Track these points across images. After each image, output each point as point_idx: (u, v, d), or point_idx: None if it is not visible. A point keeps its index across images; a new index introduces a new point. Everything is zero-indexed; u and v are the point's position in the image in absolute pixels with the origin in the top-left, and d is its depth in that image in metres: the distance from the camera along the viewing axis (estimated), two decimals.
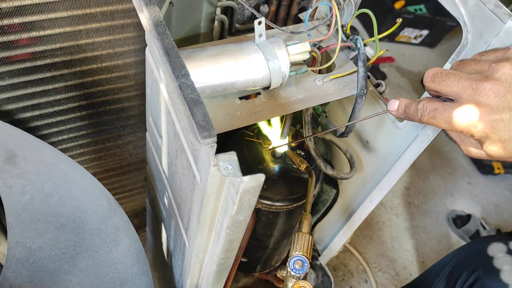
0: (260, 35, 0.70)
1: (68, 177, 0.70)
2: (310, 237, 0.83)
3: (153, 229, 1.01)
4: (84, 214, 0.74)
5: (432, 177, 2.25)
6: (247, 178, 0.45)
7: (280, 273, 1.28)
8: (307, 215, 0.86)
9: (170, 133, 0.61)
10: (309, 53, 0.74)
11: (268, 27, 0.77)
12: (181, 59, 0.48)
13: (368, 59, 0.83)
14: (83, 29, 0.76)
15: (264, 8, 0.91)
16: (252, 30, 0.95)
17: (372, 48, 2.56)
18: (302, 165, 0.91)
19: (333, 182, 1.12)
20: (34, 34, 0.73)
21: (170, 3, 0.68)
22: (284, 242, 1.12)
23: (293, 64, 0.74)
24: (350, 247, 1.84)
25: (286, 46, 0.71)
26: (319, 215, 1.17)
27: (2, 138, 0.64)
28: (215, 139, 0.44)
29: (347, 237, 1.17)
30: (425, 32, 2.77)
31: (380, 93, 0.88)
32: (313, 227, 1.24)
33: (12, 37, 0.72)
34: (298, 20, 0.96)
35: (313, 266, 1.34)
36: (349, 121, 0.80)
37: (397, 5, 2.71)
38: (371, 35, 2.58)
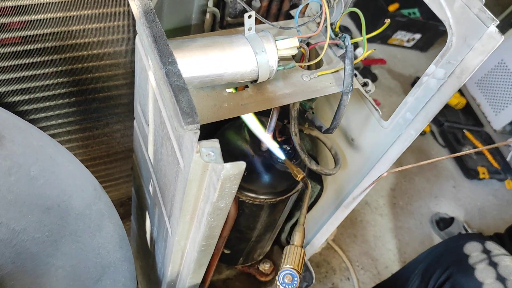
0: (249, 29, 0.71)
1: (55, 161, 0.71)
2: (303, 250, 0.84)
3: (138, 217, 1.02)
4: (69, 199, 0.75)
5: (417, 179, 2.28)
6: (228, 165, 0.47)
7: (263, 267, 1.29)
8: (300, 228, 0.87)
9: (157, 121, 0.62)
10: (298, 48, 0.75)
11: (258, 22, 0.79)
12: (168, 47, 0.49)
13: (356, 57, 0.85)
14: (75, 15, 0.77)
15: (256, 3, 0.92)
16: (243, 24, 0.97)
17: (363, 49, 2.59)
18: (298, 175, 0.92)
19: (317, 178, 1.13)
20: (25, 18, 0.74)
21: None
22: (267, 236, 1.14)
23: (281, 59, 0.75)
24: (333, 245, 1.86)
25: (275, 40, 0.72)
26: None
27: None
28: (198, 125, 0.45)
29: (330, 233, 1.19)
30: (417, 36, 2.80)
31: (367, 92, 0.89)
32: (296, 222, 1.25)
33: (3, 20, 0.72)
34: (289, 17, 0.97)
35: None
36: (334, 118, 0.82)
37: (391, 8, 2.73)
38: None
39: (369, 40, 3.08)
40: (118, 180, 1.24)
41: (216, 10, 0.88)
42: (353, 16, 2.71)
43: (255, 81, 0.74)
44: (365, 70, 2.60)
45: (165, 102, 0.50)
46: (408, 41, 2.84)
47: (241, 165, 0.47)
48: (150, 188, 0.79)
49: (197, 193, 0.56)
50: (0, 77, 0.80)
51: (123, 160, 1.16)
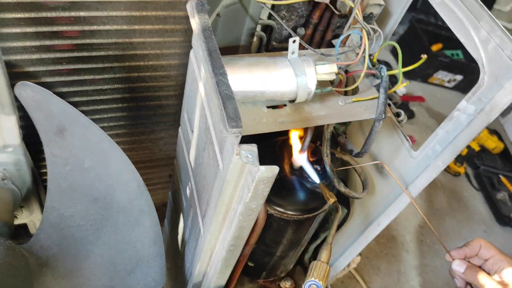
0: (293, 52, 0.78)
1: (107, 156, 0.78)
2: (328, 267, 0.88)
3: (171, 220, 1.08)
4: (115, 192, 0.82)
5: (448, 219, 2.26)
6: (263, 167, 0.53)
7: (284, 284, 1.33)
8: (328, 246, 0.92)
9: (202, 127, 0.69)
10: (336, 74, 0.81)
11: (302, 48, 0.85)
12: (221, 60, 0.55)
13: (390, 88, 0.90)
14: (138, 29, 0.86)
15: (301, 31, 0.99)
16: (286, 48, 1.04)
17: (403, 87, 2.62)
18: (330, 199, 0.96)
19: (344, 202, 1.17)
20: (94, 27, 0.83)
21: (217, 15, 0.77)
22: (291, 253, 1.18)
23: (320, 82, 0.81)
24: (356, 274, 1.87)
25: (315, 65, 0.78)
26: (327, 232, 1.22)
27: (57, 113, 0.73)
28: (241, 129, 0.51)
29: (352, 257, 1.21)
30: (459, 77, 2.82)
31: (399, 122, 0.94)
32: (320, 244, 1.29)
33: (76, 28, 0.81)
34: (331, 46, 1.03)
35: None
36: (365, 143, 0.87)
37: (434, 48, 2.76)
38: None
39: (410, 77, 3.10)
40: (156, 186, 1.31)
41: (263, 34, 0.95)
42: (395, 52, 2.75)
43: (293, 101, 0.80)
44: (403, 106, 2.62)
45: (212, 109, 0.57)
46: (449, 81, 2.86)
47: (274, 169, 0.53)
48: (188, 191, 0.85)
49: (232, 193, 0.62)
50: (66, 78, 0.90)
51: (163, 166, 1.24)
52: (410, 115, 2.60)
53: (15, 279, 0.74)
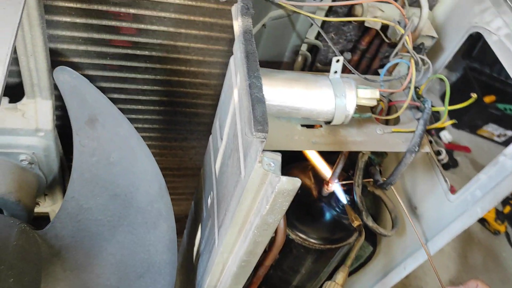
0: (335, 72, 0.76)
1: (134, 153, 0.78)
2: None
3: (190, 231, 1.06)
4: (136, 191, 0.81)
5: (481, 278, 2.12)
6: (284, 178, 0.50)
7: None
8: (345, 268, 0.88)
9: (231, 134, 0.67)
10: (377, 101, 0.78)
11: (347, 70, 0.83)
12: (257, 63, 0.54)
13: (432, 122, 0.86)
14: (183, 33, 0.86)
15: (347, 55, 0.96)
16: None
17: (449, 134, 2.54)
18: (355, 222, 0.92)
19: (371, 239, 1.12)
20: (142, 26, 0.84)
21: (263, 25, 0.76)
22: (308, 285, 1.13)
23: (359, 107, 0.79)
24: None
25: (357, 88, 0.76)
26: (351, 269, 1.16)
27: (91, 102, 0.73)
28: (266, 135, 0.49)
29: None
30: (510, 133, 2.70)
31: (439, 161, 0.89)
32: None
33: (124, 24, 0.82)
34: (377, 74, 1.00)
35: None
36: (392, 173, 0.82)
37: (487, 99, 2.67)
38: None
39: (458, 126, 2.98)
40: (181, 196, 1.30)
41: (308, 54, 0.94)
42: (442, 95, 2.68)
43: (330, 122, 0.77)
44: (448, 154, 2.53)
45: (242, 113, 0.55)
46: (499, 136, 2.74)
47: (296, 182, 0.50)
48: (209, 200, 0.83)
49: (251, 204, 0.59)
50: (108, 73, 0.90)
51: (190, 177, 1.23)
52: (454, 164, 2.50)
53: (25, 263, 0.73)
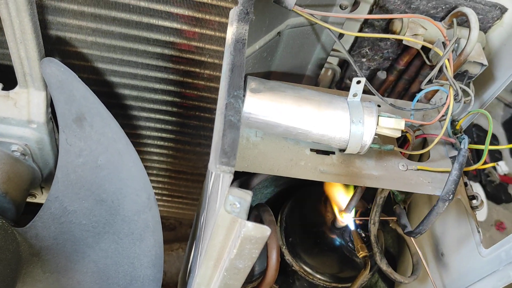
0: (355, 95, 0.65)
1: (121, 158, 0.71)
2: None
3: (190, 244, 0.99)
4: (123, 198, 0.75)
5: None
6: (250, 224, 0.41)
7: None
8: None
9: None
10: (402, 132, 0.67)
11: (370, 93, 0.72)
12: (242, 80, 0.45)
13: (470, 164, 0.73)
14: (197, 32, 0.78)
15: (382, 75, 0.85)
16: (364, 92, 0.91)
17: (506, 165, 2.32)
18: (361, 252, 0.82)
19: (389, 281, 1.00)
20: (152, 21, 0.77)
21: (278, 33, 0.67)
22: None
23: (381, 137, 0.68)
24: None
25: (378, 115, 0.65)
26: None
27: (78, 99, 0.67)
28: (232, 169, 0.40)
29: None
30: None
31: (472, 208, 0.76)
32: None
33: (134, 17, 0.76)
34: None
35: None
36: (421, 222, 0.71)
37: None
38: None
39: None
40: (195, 201, 1.24)
41: (337, 68, 0.84)
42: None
43: (344, 150, 0.67)
44: (501, 187, 2.31)
45: (214, 135, 0.47)
46: None
47: (265, 231, 0.41)
48: (201, 219, 0.75)
49: (224, 241, 0.50)
50: (118, 68, 0.85)
51: (202, 183, 1.16)
52: (507, 199, 2.29)
53: None
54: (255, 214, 0.77)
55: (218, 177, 0.44)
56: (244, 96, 0.63)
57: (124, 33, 0.79)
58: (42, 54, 0.67)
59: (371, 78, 0.88)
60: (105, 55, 0.83)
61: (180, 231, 1.37)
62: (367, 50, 0.83)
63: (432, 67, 0.80)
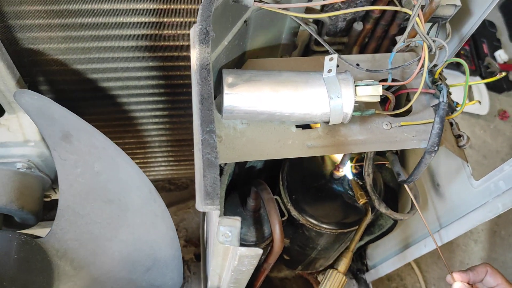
0: (329, 71, 0.66)
1: (115, 161, 0.75)
2: (344, 278, 0.81)
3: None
4: (128, 195, 0.79)
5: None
6: (243, 249, 0.45)
7: (321, 278, 1.28)
8: (348, 254, 0.84)
9: None
10: (381, 96, 0.68)
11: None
12: (212, 112, 0.47)
13: (452, 111, 0.75)
14: (167, 22, 0.78)
15: (358, 26, 0.85)
16: (342, 43, 0.91)
17: (505, 53, 2.29)
18: (361, 200, 0.87)
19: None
20: (121, 19, 0.76)
21: (245, 21, 0.67)
22: (329, 254, 1.11)
23: (365, 103, 0.70)
24: (412, 262, 1.76)
25: (355, 86, 0.67)
26: (372, 237, 1.13)
27: (59, 119, 0.69)
28: (217, 206, 0.44)
29: (396, 267, 1.12)
30: None
31: (460, 147, 0.80)
32: (365, 244, 1.21)
33: (101, 19, 0.76)
34: (395, 42, 0.88)
35: (358, 279, 1.32)
36: (412, 173, 0.74)
37: None
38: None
39: None
40: None
41: (312, 28, 0.83)
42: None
43: (327, 122, 0.70)
44: (505, 79, 2.29)
45: (196, 170, 0.50)
46: None
47: (257, 251, 0.45)
48: None
49: (224, 249, 0.56)
50: (97, 65, 0.86)
51: None
52: (509, 87, 2.29)
53: (28, 274, 0.76)
54: (254, 191, 0.82)
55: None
56: (222, 91, 0.65)
57: (94, 35, 0.79)
58: (20, 82, 0.68)
59: (348, 29, 0.87)
60: (82, 56, 0.83)
61: (193, 188, 1.43)
62: (340, 4, 0.82)
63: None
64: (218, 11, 0.56)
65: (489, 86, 2.23)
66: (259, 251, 0.46)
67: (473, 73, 2.18)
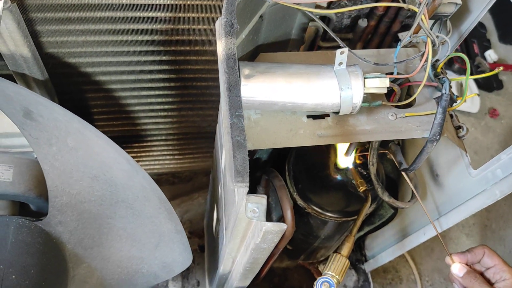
0: (340, 63, 0.70)
1: (84, 135, 0.74)
2: (347, 261, 0.85)
3: (210, 201, 1.09)
4: (111, 169, 0.77)
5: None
6: (270, 224, 0.49)
7: (322, 268, 1.32)
8: (350, 238, 0.88)
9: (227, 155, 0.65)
10: (388, 88, 0.72)
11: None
12: (240, 98, 0.51)
13: (453, 103, 0.80)
14: (182, 17, 0.81)
15: (363, 22, 0.89)
16: (348, 39, 0.95)
17: (495, 53, 2.35)
18: (361, 187, 0.91)
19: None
20: (138, 14, 0.80)
21: (260, 17, 0.70)
22: (329, 244, 1.15)
23: (372, 95, 0.74)
24: (406, 254, 1.81)
25: (364, 78, 0.71)
26: (372, 226, 1.17)
27: (14, 97, 0.68)
28: (247, 184, 0.47)
29: (395, 256, 1.17)
30: None
31: (459, 137, 0.84)
32: (365, 235, 1.25)
33: (119, 14, 0.79)
34: (397, 38, 0.93)
35: (357, 269, 1.36)
36: (414, 161, 0.79)
37: None
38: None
39: (506, 41, 2.66)
40: (206, 154, 1.32)
41: (319, 25, 0.87)
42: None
43: (338, 112, 0.74)
44: (492, 77, 2.35)
45: (226, 152, 0.53)
46: None
47: (282, 226, 0.49)
48: (219, 189, 0.84)
49: (246, 226, 0.59)
50: (112, 58, 0.89)
51: (211, 138, 1.23)
52: (498, 85, 2.35)
53: (28, 257, 0.75)
54: (265, 179, 0.85)
55: (233, 191, 0.51)
56: (240, 82, 0.68)
57: (112, 29, 0.82)
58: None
59: (352, 25, 0.91)
60: (98, 50, 0.86)
61: (197, 181, 1.47)
62: (345, 1, 0.86)
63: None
64: (240, 5, 0.60)
65: (480, 85, 2.30)
66: (283, 226, 0.50)
67: (464, 71, 2.24)
